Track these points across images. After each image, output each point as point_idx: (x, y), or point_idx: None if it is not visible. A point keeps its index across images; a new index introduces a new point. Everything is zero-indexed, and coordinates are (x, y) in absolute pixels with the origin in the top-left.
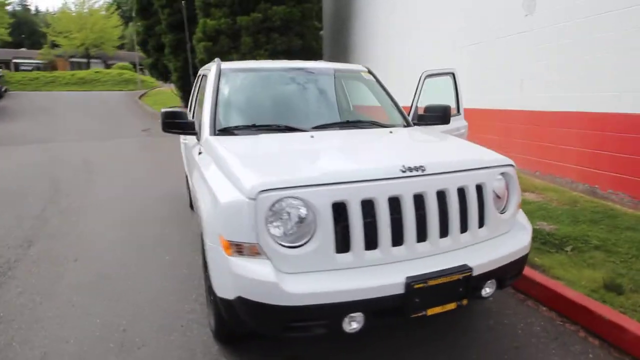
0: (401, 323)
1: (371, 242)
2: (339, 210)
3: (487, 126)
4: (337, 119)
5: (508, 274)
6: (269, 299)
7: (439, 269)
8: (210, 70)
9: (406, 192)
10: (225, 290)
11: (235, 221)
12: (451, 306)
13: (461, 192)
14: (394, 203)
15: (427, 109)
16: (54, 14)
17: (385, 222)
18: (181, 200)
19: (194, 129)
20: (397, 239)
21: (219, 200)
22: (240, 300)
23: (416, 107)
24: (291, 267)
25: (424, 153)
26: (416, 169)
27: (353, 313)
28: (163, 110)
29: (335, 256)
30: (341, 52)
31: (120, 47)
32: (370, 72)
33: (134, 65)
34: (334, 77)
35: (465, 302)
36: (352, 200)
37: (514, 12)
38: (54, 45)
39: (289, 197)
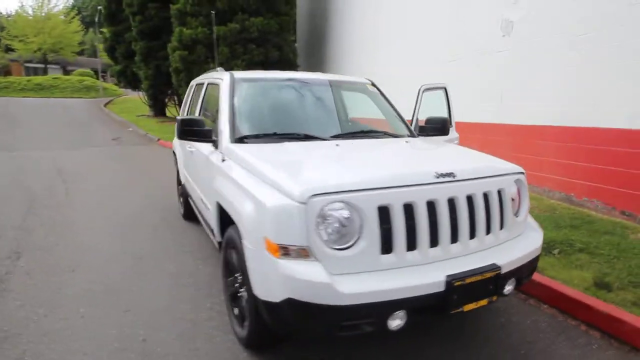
0: (420, 324)
1: (410, 244)
2: (382, 214)
3: (468, 138)
4: (352, 129)
5: (525, 273)
6: (322, 300)
7: (472, 267)
8: (223, 79)
9: (441, 196)
10: (271, 292)
11: (285, 224)
12: (483, 302)
13: (485, 197)
14: (430, 207)
15: (428, 120)
16: (9, 17)
17: (424, 225)
18: (170, 210)
19: (211, 136)
20: (433, 240)
21: (265, 205)
22: (290, 302)
23: (417, 119)
24: (338, 268)
25: (448, 161)
26: (448, 175)
27: (398, 311)
28: (180, 117)
29: (380, 257)
30: (317, 65)
31: (80, 53)
32: (373, 84)
33: (96, 72)
34: (341, 89)
35: (495, 298)
36: (395, 204)
37: (494, 32)
38: (8, 50)
39: (338, 201)
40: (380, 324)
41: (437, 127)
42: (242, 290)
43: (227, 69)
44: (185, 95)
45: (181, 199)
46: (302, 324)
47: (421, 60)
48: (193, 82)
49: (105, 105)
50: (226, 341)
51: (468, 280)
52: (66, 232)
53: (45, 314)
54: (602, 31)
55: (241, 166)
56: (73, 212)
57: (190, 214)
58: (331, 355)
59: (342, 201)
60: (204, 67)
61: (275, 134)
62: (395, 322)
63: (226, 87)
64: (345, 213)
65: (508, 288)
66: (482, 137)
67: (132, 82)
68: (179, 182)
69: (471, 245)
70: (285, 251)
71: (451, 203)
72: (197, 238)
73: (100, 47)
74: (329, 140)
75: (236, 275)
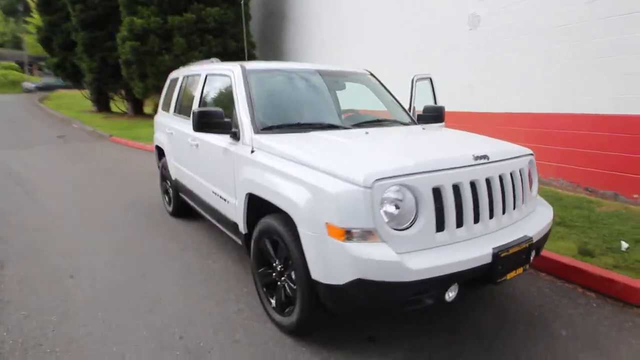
0: (468, 295)
1: (458, 221)
2: (436, 195)
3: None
4: (368, 118)
5: (542, 243)
6: (392, 277)
7: (512, 240)
8: (233, 71)
9: (480, 176)
10: (336, 275)
11: (351, 209)
12: (520, 271)
13: (511, 176)
14: (472, 187)
15: (425, 109)
16: None
17: (469, 203)
18: (153, 208)
19: (230, 128)
20: (475, 217)
21: (328, 192)
22: (360, 282)
23: (414, 107)
24: (400, 248)
25: (476, 145)
26: (483, 157)
27: (454, 283)
28: (197, 109)
29: (435, 235)
30: (275, 57)
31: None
32: (372, 74)
33: (21, 64)
34: (346, 80)
35: (527, 266)
36: (446, 185)
37: (462, 27)
38: None
39: (398, 184)
40: (440, 297)
41: (434, 115)
42: (283, 278)
43: (184, 61)
44: (167, 88)
45: (167, 197)
46: (371, 302)
47: (390, 54)
48: (178, 74)
49: (41, 101)
50: (266, 330)
51: (511, 251)
52: (46, 239)
53: (60, 321)
54: (562, 29)
55: (280, 156)
56: (46, 218)
57: (181, 211)
58: (375, 333)
59: (402, 184)
60: (158, 58)
61: (299, 124)
62: (451, 294)
63: (239, 78)
64: (404, 195)
65: (532, 257)
66: (456, 124)
67: (72, 75)
68: (164, 179)
69: (503, 220)
70: (350, 235)
71: (487, 182)
72: (194, 234)
73: (28, 38)
74: (353, 128)
75: (274, 264)
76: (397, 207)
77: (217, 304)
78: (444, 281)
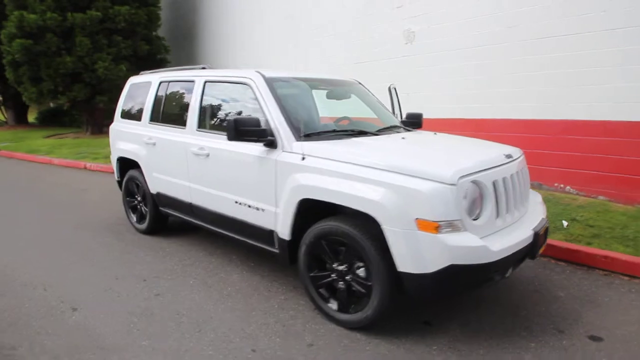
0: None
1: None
2: (493, 188)
3: None
4: (385, 124)
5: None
6: (480, 260)
7: (537, 222)
8: (252, 79)
9: (511, 173)
10: (427, 264)
11: (442, 204)
12: (544, 247)
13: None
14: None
15: (407, 116)
16: None
17: (511, 194)
18: (111, 227)
19: (266, 136)
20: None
21: (419, 190)
22: (452, 267)
23: (400, 114)
24: (477, 234)
25: (492, 147)
26: (510, 156)
27: (514, 260)
28: (234, 118)
29: (495, 222)
30: (189, 61)
31: None
32: (360, 83)
33: None
34: (345, 88)
35: (545, 245)
36: (499, 179)
37: (398, 40)
38: None
39: (472, 180)
40: (504, 273)
41: (414, 122)
42: (348, 277)
43: (89, 63)
44: (127, 94)
45: (136, 214)
46: (457, 285)
47: (327, 62)
48: (148, 79)
49: None
50: (331, 330)
51: (541, 231)
52: (18, 267)
53: (107, 355)
54: (486, 47)
55: (345, 162)
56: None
57: (157, 228)
58: (428, 318)
59: (473, 180)
60: (56, 60)
61: (334, 130)
62: (509, 270)
63: (264, 86)
64: (474, 189)
65: None
66: None
67: None
68: (130, 194)
69: (522, 210)
70: (441, 227)
71: (512, 177)
72: (187, 250)
73: None
74: (380, 135)
75: (333, 265)
76: (475, 199)
77: (266, 314)
78: (510, 259)
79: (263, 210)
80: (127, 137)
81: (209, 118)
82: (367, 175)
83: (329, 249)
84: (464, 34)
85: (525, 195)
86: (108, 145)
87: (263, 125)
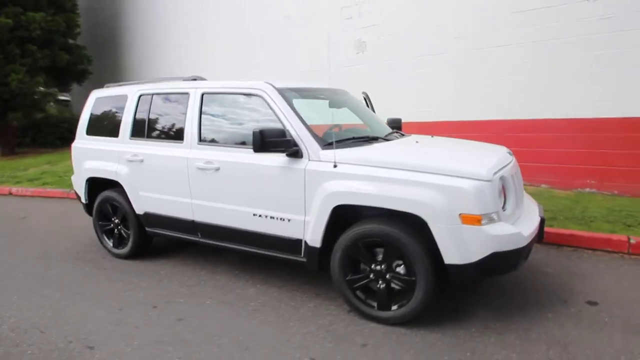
0: None
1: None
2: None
3: None
4: (387, 130)
5: None
6: (516, 245)
7: (539, 211)
8: (264, 90)
9: (516, 168)
10: (471, 254)
11: (483, 199)
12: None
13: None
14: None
15: (389, 121)
16: None
17: (518, 186)
18: (80, 255)
19: (291, 146)
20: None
21: (462, 188)
22: (494, 255)
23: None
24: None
25: (488, 146)
26: (510, 152)
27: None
28: (259, 129)
29: (515, 212)
30: (111, 71)
31: None
32: (347, 92)
33: None
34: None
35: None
36: (513, 174)
37: (349, 49)
38: None
39: (500, 176)
40: (528, 256)
41: (396, 126)
42: (387, 276)
43: (0, 76)
44: (93, 110)
45: (113, 238)
46: (495, 270)
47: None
48: (122, 92)
49: None
50: (375, 328)
51: (544, 218)
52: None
53: None
54: (434, 56)
55: (381, 166)
56: None
57: (141, 251)
58: (456, 305)
59: (501, 176)
60: None
61: (353, 137)
62: (530, 253)
63: (278, 97)
64: (501, 184)
65: None
66: None
67: None
68: (103, 217)
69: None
70: (482, 219)
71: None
72: (182, 270)
73: None
74: (392, 140)
75: (372, 266)
76: (503, 192)
77: (304, 324)
78: (533, 242)
79: (289, 220)
80: (99, 155)
81: (214, 131)
82: (409, 177)
83: (366, 251)
84: (413, 45)
85: (522, 187)
86: (27, 167)
87: (287, 136)
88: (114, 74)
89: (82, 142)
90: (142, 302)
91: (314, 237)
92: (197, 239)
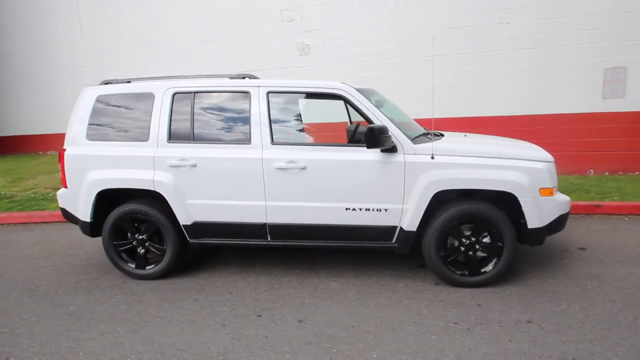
0: None
1: None
2: None
3: None
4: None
5: None
6: (567, 209)
7: None
8: (345, 90)
9: None
10: (546, 219)
11: (551, 176)
12: None
13: None
14: None
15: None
16: None
17: None
18: (91, 282)
19: (392, 142)
20: None
21: (540, 169)
22: (560, 217)
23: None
24: None
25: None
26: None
27: None
28: (373, 127)
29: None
30: None
31: None
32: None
33: None
34: None
35: None
36: None
37: (292, 52)
38: None
39: None
40: None
41: None
42: (477, 247)
43: None
44: (88, 110)
45: (134, 259)
46: (558, 228)
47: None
48: (158, 89)
49: None
50: (472, 291)
51: None
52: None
53: None
54: (377, 62)
55: (472, 156)
56: None
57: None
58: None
59: None
60: None
61: (423, 134)
62: None
63: (360, 97)
64: None
65: None
66: None
67: None
68: (122, 236)
69: None
70: (553, 191)
71: None
72: (250, 279)
73: None
74: (447, 134)
75: (462, 240)
76: None
77: (414, 300)
78: None
79: (386, 210)
80: (120, 163)
81: (287, 131)
82: (500, 163)
83: (458, 228)
84: (358, 50)
85: None
86: None
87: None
88: None
89: (82, 149)
90: (242, 313)
91: (411, 222)
92: (264, 242)
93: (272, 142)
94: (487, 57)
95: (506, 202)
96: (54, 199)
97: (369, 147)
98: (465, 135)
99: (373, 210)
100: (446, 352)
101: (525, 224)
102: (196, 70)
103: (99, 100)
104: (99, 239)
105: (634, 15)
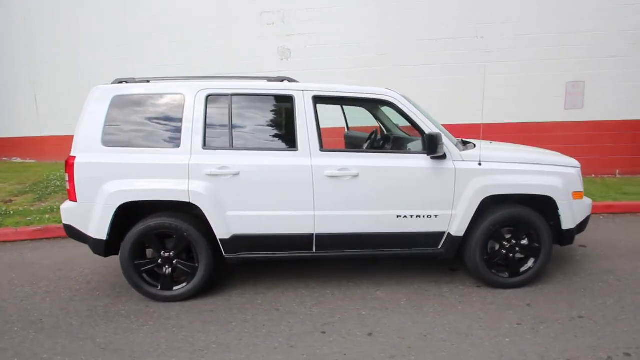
0: None
1: None
2: None
3: None
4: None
5: None
6: (590, 212)
7: None
8: (391, 96)
9: None
10: (578, 219)
11: (581, 180)
12: None
13: None
14: None
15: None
16: None
17: None
18: (111, 309)
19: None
20: None
21: (572, 174)
22: (587, 218)
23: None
24: None
25: None
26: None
27: None
28: (433, 134)
29: None
30: None
31: None
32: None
33: None
34: None
35: None
36: None
37: (272, 55)
38: None
39: None
40: None
41: None
42: (517, 249)
43: None
44: (103, 113)
45: (159, 280)
46: (583, 228)
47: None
48: (187, 91)
49: None
50: (515, 292)
51: None
52: None
53: None
54: (359, 69)
55: (515, 162)
56: None
57: (205, 286)
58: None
59: None
60: None
61: (462, 140)
62: None
63: (407, 103)
64: None
65: None
66: None
67: None
68: (142, 255)
69: None
70: (583, 194)
71: None
72: (290, 294)
73: None
74: (473, 142)
75: (503, 243)
76: None
77: (466, 305)
78: None
79: (436, 216)
80: (146, 172)
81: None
82: (541, 169)
83: (499, 232)
84: (341, 57)
85: None
86: None
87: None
88: None
89: (98, 156)
90: (304, 331)
91: (460, 227)
92: (307, 254)
93: (321, 148)
94: (465, 68)
95: (540, 206)
96: (8, 214)
97: (429, 154)
98: (491, 143)
99: (424, 217)
100: (528, 354)
101: (557, 225)
102: (171, 72)
103: (115, 101)
104: (84, 257)
105: (594, 34)
